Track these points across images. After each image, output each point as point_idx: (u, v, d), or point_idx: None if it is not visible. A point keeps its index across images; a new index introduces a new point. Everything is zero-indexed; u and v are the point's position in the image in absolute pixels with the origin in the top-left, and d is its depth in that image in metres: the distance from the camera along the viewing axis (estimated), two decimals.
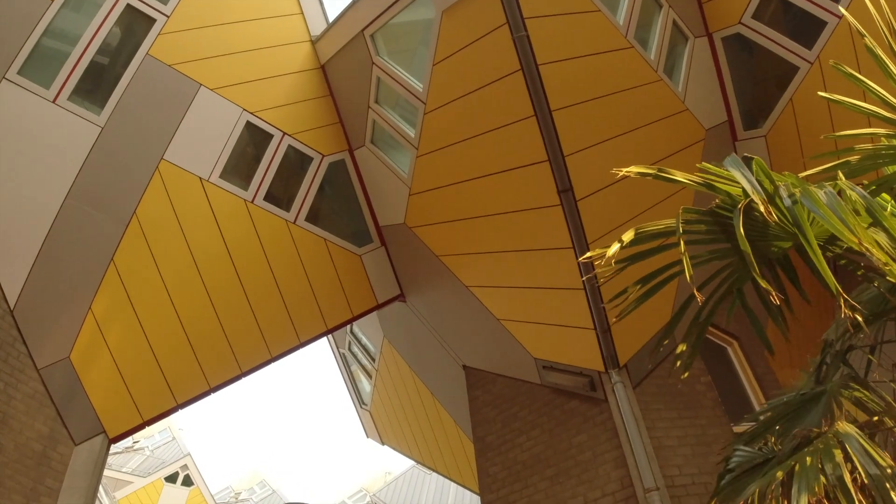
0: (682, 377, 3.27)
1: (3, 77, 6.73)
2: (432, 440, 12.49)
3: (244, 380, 8.37)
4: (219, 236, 7.91)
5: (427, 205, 7.98)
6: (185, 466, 29.65)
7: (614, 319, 4.29)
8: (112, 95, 7.35)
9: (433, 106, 7.25)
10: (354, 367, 14.45)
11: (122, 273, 7.33)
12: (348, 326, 12.85)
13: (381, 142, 8.54)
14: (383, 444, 14.92)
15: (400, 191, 8.31)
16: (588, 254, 2.66)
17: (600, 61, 6.80)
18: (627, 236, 2.62)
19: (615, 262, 2.43)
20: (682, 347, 3.11)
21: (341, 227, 8.95)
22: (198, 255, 7.78)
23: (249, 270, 8.10)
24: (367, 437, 15.40)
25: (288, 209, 8.45)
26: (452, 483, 17.49)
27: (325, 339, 11.80)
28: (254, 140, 8.29)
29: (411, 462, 25.69)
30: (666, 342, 7.53)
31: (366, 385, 14.21)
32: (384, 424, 14.38)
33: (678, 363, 3.21)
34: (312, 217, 8.64)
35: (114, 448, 8.09)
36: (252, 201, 8.17)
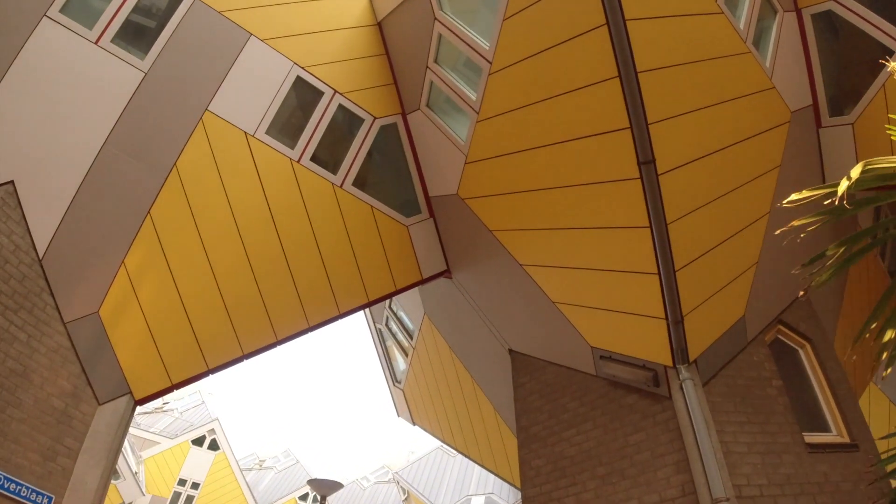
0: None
1: (45, 14, 6.32)
2: (468, 425, 11.93)
3: (277, 348, 7.95)
4: (261, 195, 7.46)
5: (484, 174, 7.41)
6: (212, 431, 29.77)
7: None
8: (157, 41, 6.93)
9: (500, 66, 6.65)
10: (390, 343, 13.97)
11: (158, 227, 6.93)
12: (388, 301, 12.39)
13: (437, 105, 7.97)
14: (414, 424, 14.44)
15: (455, 159, 7.75)
16: (794, 196, 2.04)
17: (690, 24, 6.13)
18: (856, 172, 2.00)
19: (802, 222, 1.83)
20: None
21: (389, 194, 8.44)
22: (238, 214, 7.34)
23: (291, 233, 7.64)
24: (398, 416, 14.95)
25: (335, 172, 7.96)
26: (476, 466, 17.00)
27: (361, 312, 11.31)
28: (303, 96, 7.80)
29: (436, 443, 25.36)
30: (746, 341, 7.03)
31: (401, 363, 13.73)
32: (417, 405, 13.87)
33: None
34: (360, 182, 8.14)
35: (143, 409, 7.74)
36: (298, 161, 7.69)
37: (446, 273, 8.87)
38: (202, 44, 7.14)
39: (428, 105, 8.00)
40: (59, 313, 6.45)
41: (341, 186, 7.97)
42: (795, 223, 1.95)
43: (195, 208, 7.12)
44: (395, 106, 8.38)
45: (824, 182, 7.82)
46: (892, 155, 7.25)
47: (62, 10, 6.41)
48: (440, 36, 7.35)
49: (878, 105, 7.18)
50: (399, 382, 14.16)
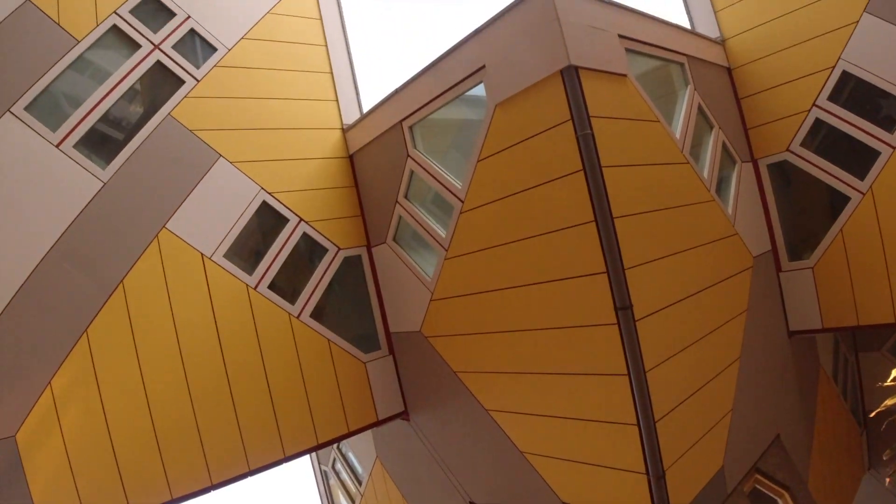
0: None
1: (9, 109, 6.08)
2: None
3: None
4: (212, 322, 6.94)
5: (450, 312, 7.14)
6: None
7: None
8: (122, 151, 6.72)
9: (472, 205, 6.64)
10: (335, 487, 12.71)
11: (94, 347, 6.28)
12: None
13: (404, 240, 7.84)
14: None
15: (420, 294, 7.50)
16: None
17: (660, 172, 6.35)
18: None
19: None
20: None
21: (348, 328, 8.01)
22: (184, 341, 6.76)
23: (239, 366, 7.05)
24: None
25: (293, 302, 7.54)
26: None
27: None
28: (267, 222, 7.56)
29: None
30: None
31: None
32: None
33: None
34: (318, 314, 7.72)
35: None
36: (255, 288, 7.28)
37: (404, 415, 8.28)
38: (169, 160, 6.93)
39: (395, 239, 7.87)
40: None
41: (298, 317, 7.53)
42: (889, 402, 1.73)
43: (137, 331, 6.53)
44: (361, 238, 8.21)
45: (787, 325, 7.95)
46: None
47: (27, 108, 6.20)
48: (412, 172, 7.38)
49: (837, 249, 7.52)
50: None
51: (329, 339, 7.73)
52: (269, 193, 7.52)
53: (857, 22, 7.12)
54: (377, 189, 8.03)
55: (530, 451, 6.69)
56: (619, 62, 6.13)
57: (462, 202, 6.73)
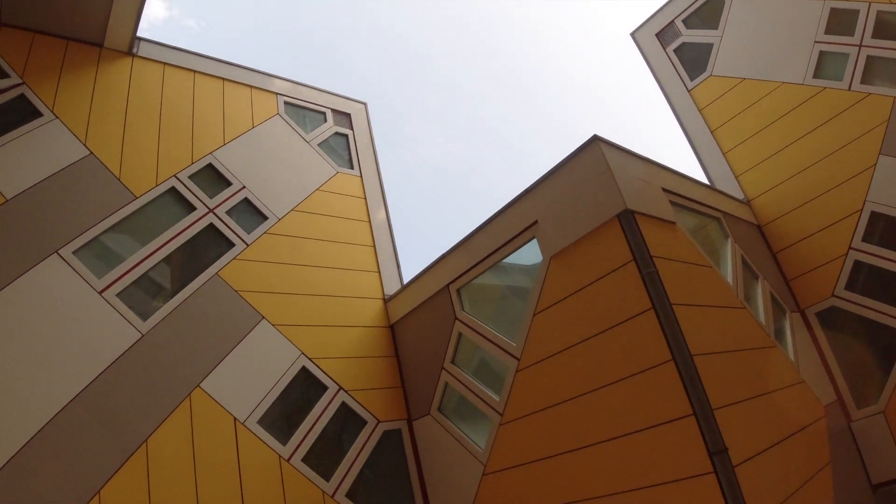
0: None
1: (56, 251, 6.02)
2: None
3: None
4: (237, 494, 6.12)
5: (509, 486, 6.37)
6: None
7: None
8: (165, 305, 6.52)
9: (530, 361, 6.32)
10: None
11: None
12: None
13: (450, 409, 7.31)
14: None
15: (470, 469, 6.77)
16: None
17: (723, 315, 6.19)
18: None
19: None
20: None
21: None
22: None
23: None
24: None
25: (328, 479, 6.75)
26: None
27: None
28: (306, 389, 7.09)
29: None
30: None
31: None
32: None
33: None
34: (353, 493, 6.86)
35: None
36: (288, 460, 6.57)
37: None
38: (211, 317, 6.72)
39: (440, 409, 7.34)
40: None
41: (332, 496, 6.68)
42: None
43: (155, 498, 5.71)
44: (401, 411, 7.66)
45: (869, 479, 7.09)
46: None
47: (76, 252, 6.13)
48: (460, 335, 7.15)
49: None
50: None
51: None
52: (310, 359, 7.17)
53: (875, 165, 7.58)
54: (420, 357, 7.71)
55: None
56: (667, 211, 6.32)
57: (518, 360, 6.41)
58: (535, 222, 6.48)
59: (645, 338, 5.41)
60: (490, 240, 6.92)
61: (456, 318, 7.20)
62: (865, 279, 7.66)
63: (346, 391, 7.27)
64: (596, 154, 5.98)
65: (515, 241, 6.68)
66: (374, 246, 8.62)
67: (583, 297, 5.97)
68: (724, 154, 9.43)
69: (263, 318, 7.06)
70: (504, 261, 6.97)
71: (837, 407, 7.47)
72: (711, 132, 9.66)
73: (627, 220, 5.71)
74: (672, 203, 6.61)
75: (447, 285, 7.37)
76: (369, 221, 8.84)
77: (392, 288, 8.42)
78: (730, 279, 6.71)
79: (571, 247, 6.13)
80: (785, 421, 6.03)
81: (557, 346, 6.08)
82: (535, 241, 6.52)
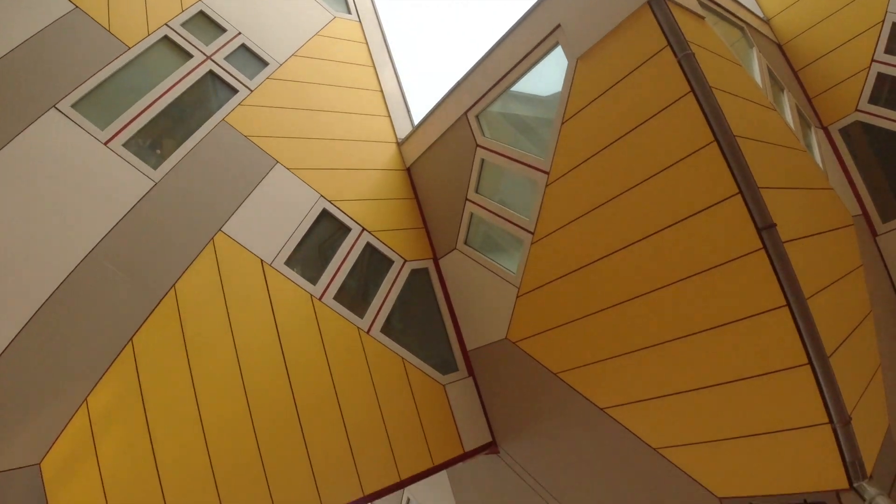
0: None
1: (55, 106, 5.61)
2: None
3: None
4: (274, 334, 6.04)
5: (543, 303, 6.32)
6: None
7: None
8: (174, 153, 6.20)
9: (560, 172, 6.10)
10: None
11: (139, 360, 5.33)
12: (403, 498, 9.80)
13: (478, 240, 7.16)
14: None
15: (503, 295, 6.70)
16: None
17: (756, 110, 5.95)
18: None
19: None
20: None
21: (421, 347, 7.05)
22: (244, 355, 5.82)
23: (308, 388, 6.05)
24: None
25: (361, 316, 6.67)
26: None
27: None
28: (329, 230, 6.89)
29: None
30: None
31: None
32: None
33: None
34: (388, 330, 6.82)
35: None
36: (320, 298, 6.45)
37: (492, 447, 7.06)
38: (223, 163, 6.41)
39: (466, 242, 7.19)
40: None
41: (368, 332, 6.62)
42: None
43: (191, 342, 5.60)
44: (426, 251, 7.52)
45: (894, 287, 7.17)
46: None
47: (74, 105, 5.72)
48: (482, 162, 6.90)
49: None
50: None
51: (403, 358, 6.76)
52: (329, 201, 6.93)
53: None
54: (441, 194, 7.49)
55: (667, 445, 5.59)
56: (695, 4, 5.97)
57: (547, 174, 6.20)
58: (558, 26, 6.10)
59: (685, 122, 5.18)
60: (509, 56, 6.55)
61: (477, 146, 6.93)
62: (889, 92, 7.43)
63: (369, 232, 7.09)
64: None
65: (537, 51, 6.32)
66: (382, 91, 8.22)
67: (614, 94, 5.69)
68: None
69: (277, 162, 6.76)
70: (524, 91, 6.65)
71: (863, 220, 7.41)
72: None
73: (659, 6, 5.36)
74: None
75: (465, 113, 7.05)
76: (374, 66, 8.39)
77: (404, 132, 8.10)
78: (759, 82, 6.44)
79: (599, 45, 5.79)
80: (821, 217, 5.94)
81: (590, 151, 5.85)
82: (558, 47, 6.17)
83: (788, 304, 4.71)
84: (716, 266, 5.07)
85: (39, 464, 4.63)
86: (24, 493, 4.48)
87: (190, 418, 5.40)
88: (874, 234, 7.37)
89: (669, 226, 5.32)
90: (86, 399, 4.99)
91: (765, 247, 4.80)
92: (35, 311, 4.93)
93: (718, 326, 5.12)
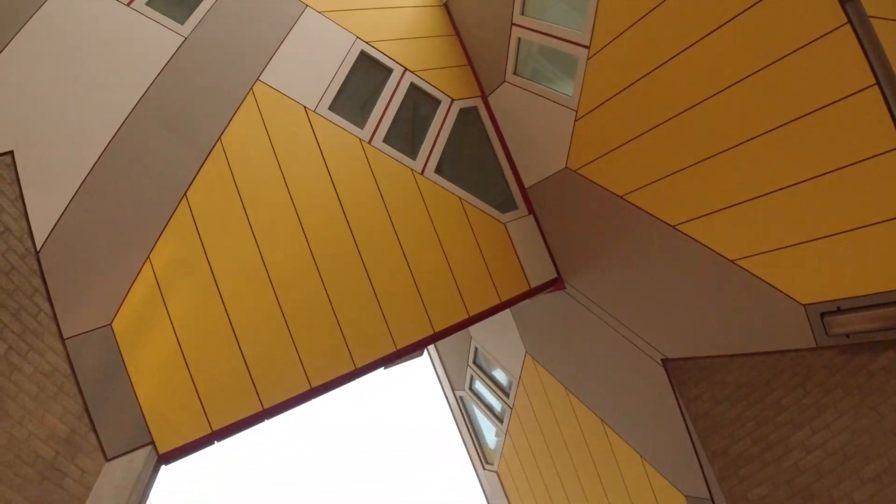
0: None
1: None
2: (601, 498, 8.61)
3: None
4: (327, 180, 5.90)
5: (604, 121, 5.92)
6: None
7: None
8: (199, 6, 5.84)
9: None
10: (476, 412, 10.90)
11: (196, 214, 5.28)
12: (469, 355, 10.08)
13: (528, 68, 6.72)
14: None
15: (560, 122, 6.31)
16: None
17: None
18: None
19: None
20: None
21: (479, 187, 6.84)
22: (300, 202, 5.73)
23: (367, 230, 5.97)
24: None
25: (413, 157, 6.46)
26: None
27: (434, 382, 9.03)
28: (370, 73, 6.57)
29: None
30: None
31: (491, 437, 10.70)
32: (521, 489, 10.29)
33: None
34: (442, 170, 6.60)
35: None
36: (369, 141, 6.23)
37: (558, 283, 6.95)
38: (251, 11, 6.09)
39: (516, 72, 6.75)
40: (57, 324, 4.50)
41: (422, 173, 6.42)
42: None
43: (245, 192, 5.52)
44: (473, 88, 7.14)
45: None
46: None
47: None
48: None
49: None
50: (491, 463, 10.85)
51: (461, 198, 6.57)
52: (367, 42, 6.55)
53: None
54: (483, 25, 7.00)
55: (745, 255, 5.29)
56: None
57: None
58: None
59: None
60: None
61: None
62: None
63: (412, 72, 6.72)
64: None
65: None
66: None
67: None
68: None
69: (307, 6, 6.36)
70: None
71: None
72: None
73: None
74: None
75: None
76: None
77: None
78: None
79: None
80: None
81: None
82: None
83: (878, 83, 4.20)
84: (798, 48, 4.53)
85: (110, 324, 4.72)
86: (99, 353, 4.60)
87: (254, 265, 5.42)
88: None
89: (735, 16, 4.75)
90: (148, 257, 5.02)
91: (850, 21, 4.24)
92: (84, 177, 4.88)
93: (802, 117, 4.65)
